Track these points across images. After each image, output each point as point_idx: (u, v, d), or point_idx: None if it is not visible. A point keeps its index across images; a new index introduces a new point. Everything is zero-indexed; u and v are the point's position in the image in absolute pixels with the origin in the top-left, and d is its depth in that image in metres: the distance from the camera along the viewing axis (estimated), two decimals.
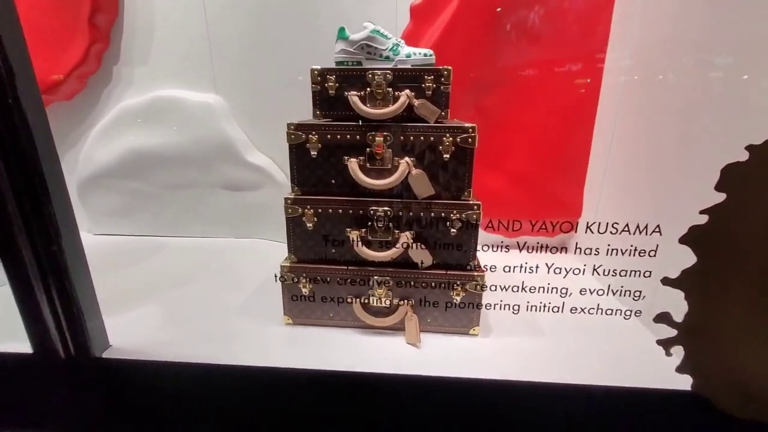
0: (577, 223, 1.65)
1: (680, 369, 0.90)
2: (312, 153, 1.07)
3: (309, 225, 1.11)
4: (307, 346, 1.09)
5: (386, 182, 1.04)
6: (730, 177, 0.77)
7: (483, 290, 1.10)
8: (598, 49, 1.43)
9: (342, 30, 1.06)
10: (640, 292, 0.94)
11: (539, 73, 1.49)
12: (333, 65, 1.08)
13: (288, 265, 1.14)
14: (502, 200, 1.62)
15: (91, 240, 1.86)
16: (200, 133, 1.67)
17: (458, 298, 1.11)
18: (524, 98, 1.53)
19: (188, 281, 1.46)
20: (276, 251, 1.70)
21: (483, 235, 1.11)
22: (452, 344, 1.09)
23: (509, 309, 1.01)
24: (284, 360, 1.01)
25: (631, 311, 0.95)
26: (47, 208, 0.86)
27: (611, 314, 0.94)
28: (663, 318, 0.88)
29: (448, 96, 1.03)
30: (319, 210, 1.10)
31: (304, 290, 1.15)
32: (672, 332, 0.87)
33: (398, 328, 1.12)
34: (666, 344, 0.90)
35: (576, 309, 0.97)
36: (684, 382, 0.88)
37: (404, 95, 1.01)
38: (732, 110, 0.94)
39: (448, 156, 1.03)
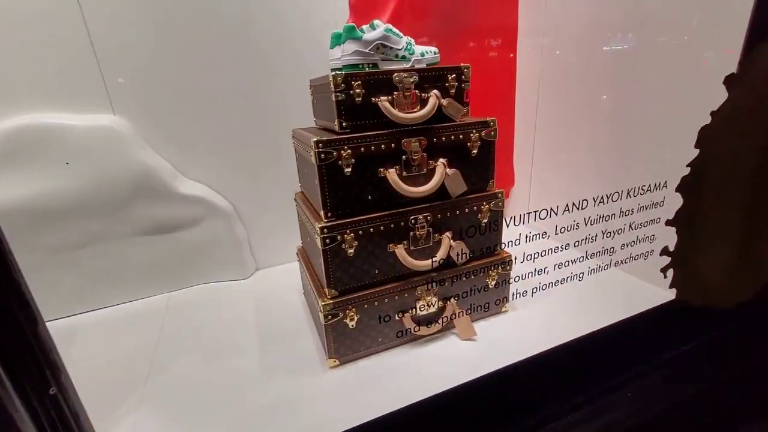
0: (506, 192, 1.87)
1: (672, 285, 1.15)
2: (346, 170, 0.92)
3: (350, 251, 0.96)
4: (374, 384, 0.96)
5: (427, 188, 0.98)
6: (702, 136, 1.00)
7: (511, 268, 1.16)
8: (510, 16, 1.58)
9: (352, 29, 0.92)
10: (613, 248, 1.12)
11: (460, 51, 1.57)
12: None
13: (331, 302, 0.97)
14: None
15: None
16: (102, 169, 1.21)
17: (492, 283, 1.15)
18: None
19: (158, 363, 1.09)
20: (232, 293, 1.41)
21: None
22: (499, 327, 1.12)
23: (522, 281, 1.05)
24: (364, 411, 0.85)
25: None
26: None
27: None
28: (664, 251, 1.10)
29: (467, 93, 1.01)
30: (360, 232, 0.96)
31: (350, 324, 1.00)
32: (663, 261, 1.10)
33: (443, 330, 1.10)
34: (664, 269, 1.13)
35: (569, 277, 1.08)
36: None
37: (433, 96, 0.96)
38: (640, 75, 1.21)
39: (475, 151, 1.03)
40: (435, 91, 0.96)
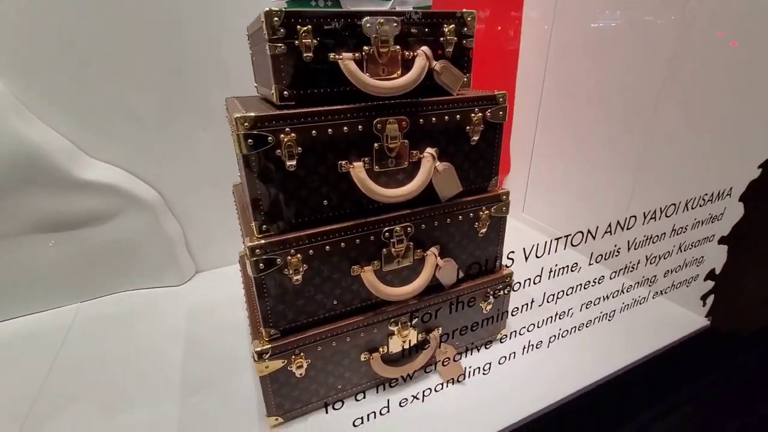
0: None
1: (709, 313, 0.89)
2: (288, 164, 0.59)
3: (296, 278, 0.65)
4: None
5: (409, 190, 0.68)
6: None
7: (513, 291, 0.88)
8: None
9: None
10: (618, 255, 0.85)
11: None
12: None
13: (269, 347, 0.67)
14: None
15: None
16: None
17: (489, 308, 0.87)
18: None
19: (33, 418, 0.78)
20: (160, 303, 1.10)
21: None
22: (494, 363, 0.83)
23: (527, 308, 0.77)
24: None
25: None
26: None
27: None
28: (709, 275, 0.83)
29: (471, 54, 0.69)
30: (310, 252, 0.65)
31: (298, 372, 0.71)
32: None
33: (425, 367, 0.83)
34: (705, 297, 0.87)
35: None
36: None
37: (422, 56, 0.63)
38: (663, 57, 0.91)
39: (476, 138, 0.72)
40: (424, 48, 0.64)
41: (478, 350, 0.89)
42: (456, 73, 0.68)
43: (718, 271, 0.82)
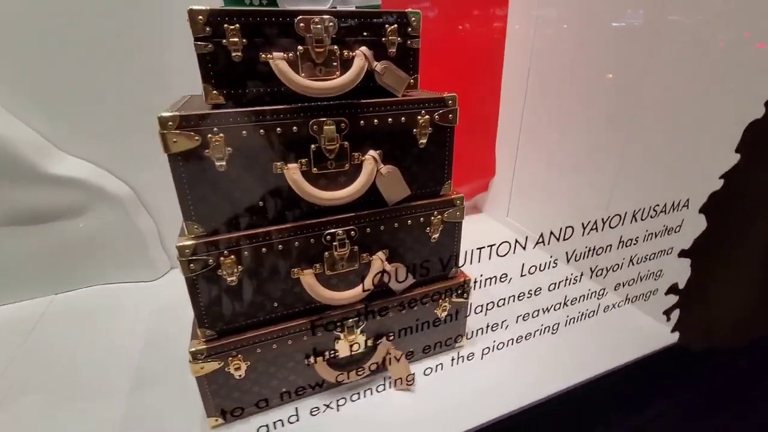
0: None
1: (675, 328, 0.85)
2: (218, 165, 0.58)
3: (231, 279, 0.64)
4: None
5: (347, 193, 0.66)
6: (748, 136, 0.67)
7: (469, 296, 0.86)
8: None
9: None
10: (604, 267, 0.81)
11: (437, 21, 1.22)
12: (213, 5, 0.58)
13: (204, 347, 0.66)
14: None
15: None
16: None
17: (444, 314, 0.84)
18: (424, 53, 1.25)
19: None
20: (131, 299, 1.10)
21: None
22: (449, 370, 0.80)
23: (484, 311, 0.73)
24: None
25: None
26: None
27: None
28: (671, 290, 0.79)
29: (417, 55, 0.67)
30: (245, 253, 0.64)
31: (236, 374, 0.70)
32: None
33: (375, 373, 0.81)
34: (668, 311, 0.83)
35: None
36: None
37: (360, 56, 0.61)
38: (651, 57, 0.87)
39: (424, 141, 0.70)
40: (363, 48, 0.62)
41: (436, 356, 0.86)
42: (399, 74, 0.66)
43: (681, 286, 0.78)
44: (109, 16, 0.95)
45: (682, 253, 0.74)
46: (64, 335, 0.98)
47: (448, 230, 0.80)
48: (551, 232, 0.58)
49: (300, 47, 0.60)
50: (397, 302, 0.79)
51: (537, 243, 0.57)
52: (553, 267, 0.63)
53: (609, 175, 1.04)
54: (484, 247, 0.56)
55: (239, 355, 0.70)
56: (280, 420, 0.60)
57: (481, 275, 0.68)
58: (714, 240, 0.72)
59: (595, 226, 0.58)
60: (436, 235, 0.79)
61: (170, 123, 0.55)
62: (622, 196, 1.01)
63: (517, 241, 0.57)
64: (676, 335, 0.85)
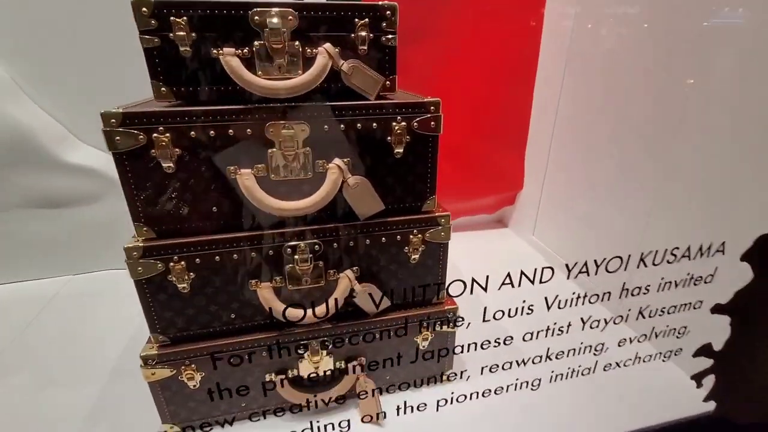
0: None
1: (710, 396, 0.68)
2: (165, 165, 0.55)
3: (182, 286, 0.60)
4: None
5: (307, 204, 0.59)
6: None
7: (457, 327, 0.75)
8: None
9: None
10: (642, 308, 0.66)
11: (471, 24, 1.12)
12: None
13: (155, 353, 0.63)
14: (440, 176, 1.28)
15: None
16: None
17: (425, 344, 0.75)
18: (453, 54, 1.15)
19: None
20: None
21: None
22: (429, 411, 0.70)
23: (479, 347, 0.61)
24: None
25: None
26: None
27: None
28: (703, 350, 0.63)
29: (394, 53, 0.59)
30: (197, 260, 0.60)
31: (190, 383, 0.66)
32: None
33: (345, 397, 0.73)
34: (699, 377, 0.66)
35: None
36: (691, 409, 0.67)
37: (323, 54, 0.54)
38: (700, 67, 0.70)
39: (401, 150, 0.61)
40: (327, 45, 0.55)
41: (417, 390, 0.77)
42: (371, 74, 0.58)
43: (718, 347, 0.62)
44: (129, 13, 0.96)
45: (718, 309, 0.59)
46: (71, 315, 1.02)
47: (431, 251, 0.71)
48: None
49: (256, 42, 0.55)
50: (369, 326, 0.71)
51: (571, 275, 0.46)
52: (575, 303, 0.51)
53: (644, 203, 0.88)
54: (503, 282, 0.46)
55: (192, 365, 0.67)
56: None
57: (486, 307, 0.55)
58: (762, 294, 0.56)
59: (584, 270, 0.46)
60: (416, 256, 0.70)
61: (113, 120, 0.52)
62: (657, 230, 0.85)
63: (529, 275, 0.46)
64: (712, 404, 0.68)
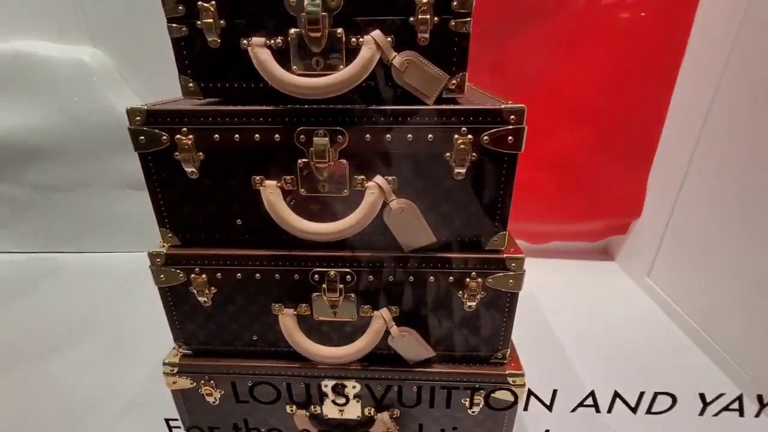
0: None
1: None
2: (189, 171, 0.48)
3: (204, 300, 0.54)
4: None
5: (337, 228, 0.48)
6: None
7: (519, 399, 0.58)
8: None
9: None
10: None
11: (592, 14, 0.89)
12: None
13: (177, 362, 0.59)
14: (529, 191, 1.08)
15: None
16: (78, 109, 1.04)
17: (476, 409, 0.59)
18: (570, 50, 0.94)
19: (66, 337, 0.90)
20: None
21: None
22: None
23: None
24: None
25: None
26: None
27: None
28: None
29: (466, 43, 0.44)
30: (218, 275, 0.53)
31: (210, 399, 0.61)
32: None
33: None
34: None
35: None
36: None
37: (369, 44, 0.42)
38: None
39: (462, 171, 0.46)
40: (376, 33, 0.43)
41: None
42: (430, 71, 0.45)
43: None
44: None
45: None
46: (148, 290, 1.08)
47: (494, 300, 0.54)
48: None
49: (292, 31, 0.45)
50: (407, 377, 0.58)
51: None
52: None
53: None
54: None
55: (212, 381, 0.61)
56: None
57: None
58: None
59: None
60: (472, 304, 0.54)
61: (138, 117, 0.48)
62: None
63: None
64: None
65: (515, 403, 0.56)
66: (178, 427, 0.44)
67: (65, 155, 1.09)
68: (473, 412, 0.61)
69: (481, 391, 0.59)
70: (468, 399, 0.60)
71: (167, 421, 0.42)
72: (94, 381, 0.81)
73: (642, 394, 0.43)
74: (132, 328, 0.94)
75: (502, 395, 0.58)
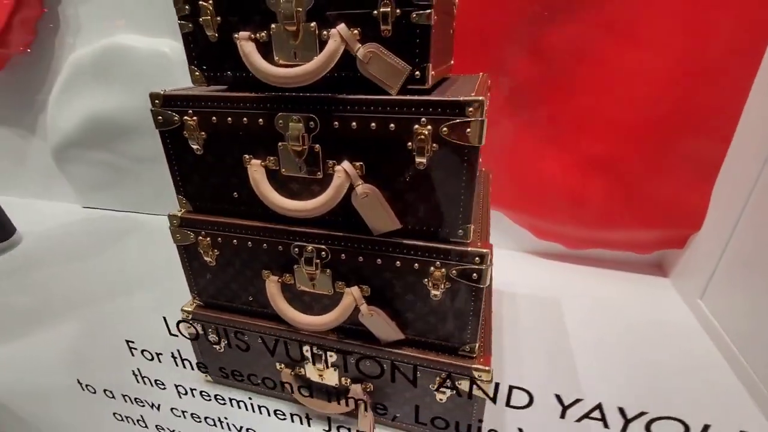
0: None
1: None
2: (195, 148, 0.57)
3: (209, 260, 0.64)
4: None
5: (310, 206, 0.52)
6: None
7: (485, 395, 0.57)
8: None
9: None
10: None
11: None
12: None
13: (191, 309, 0.70)
14: (569, 192, 1.01)
15: (79, 214, 1.57)
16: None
17: (443, 397, 0.60)
18: (624, 35, 0.86)
19: (132, 284, 1.10)
20: None
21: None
22: None
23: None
24: None
25: None
26: None
27: None
28: None
29: (427, 34, 0.44)
30: (219, 240, 0.62)
31: (218, 348, 0.71)
32: None
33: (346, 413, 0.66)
34: None
35: None
36: None
37: (335, 38, 0.45)
38: None
39: (423, 161, 0.47)
40: (340, 27, 0.46)
41: None
42: (392, 62, 0.47)
43: None
44: None
45: None
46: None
47: (459, 292, 0.55)
48: None
49: (273, 26, 0.50)
50: (375, 354, 0.62)
51: None
52: None
53: None
54: None
55: (216, 329, 0.71)
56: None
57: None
58: None
59: None
60: (437, 293, 0.56)
61: (157, 101, 0.57)
62: None
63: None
64: None
65: (470, 396, 0.56)
66: (135, 348, 0.52)
67: (151, 132, 1.29)
68: (440, 399, 0.62)
69: (448, 380, 0.59)
70: (434, 385, 0.61)
71: (127, 342, 0.51)
72: (145, 323, 0.97)
73: (652, 420, 0.34)
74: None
75: (466, 386, 0.58)
